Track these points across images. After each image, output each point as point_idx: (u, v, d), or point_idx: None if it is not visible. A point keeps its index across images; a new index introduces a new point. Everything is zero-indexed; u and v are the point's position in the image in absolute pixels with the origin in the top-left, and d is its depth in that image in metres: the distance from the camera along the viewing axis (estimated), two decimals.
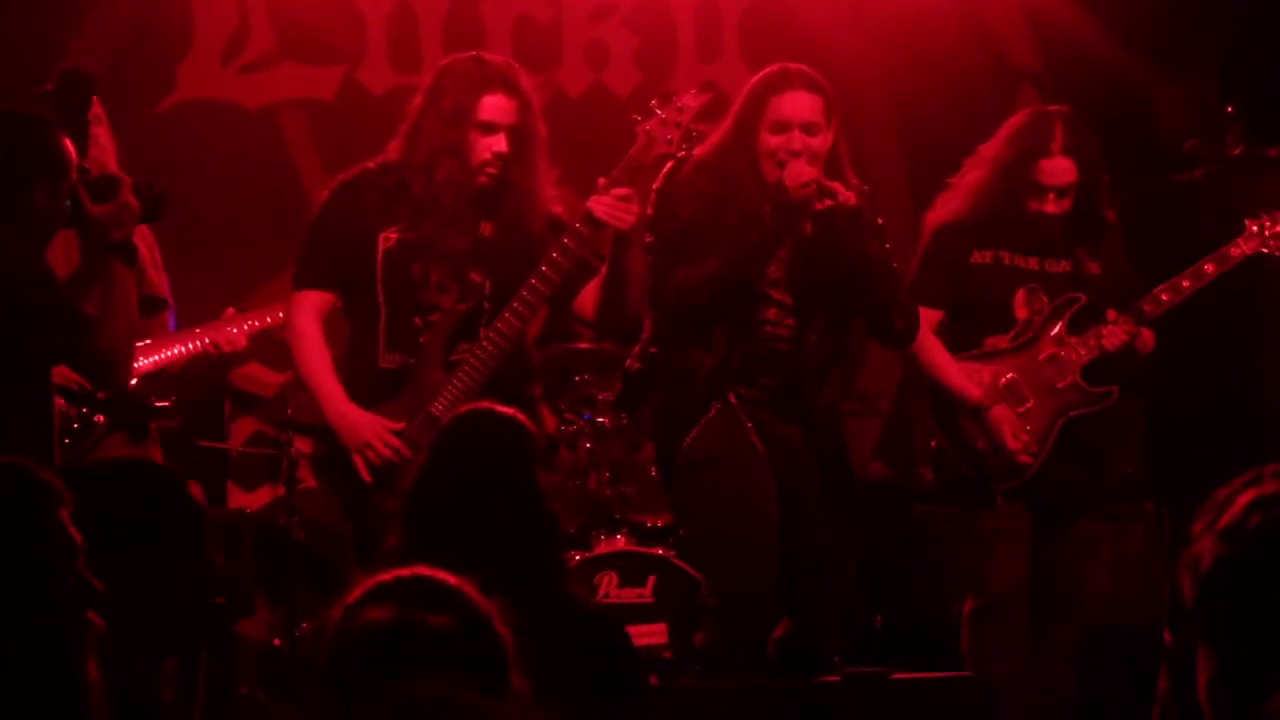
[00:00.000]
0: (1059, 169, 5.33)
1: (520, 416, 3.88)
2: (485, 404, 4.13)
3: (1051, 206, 5.33)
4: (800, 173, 5.01)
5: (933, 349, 5.35)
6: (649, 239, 5.15)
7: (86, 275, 4.38)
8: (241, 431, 7.30)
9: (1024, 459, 5.31)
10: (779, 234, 5.04)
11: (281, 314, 5.57)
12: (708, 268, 5.02)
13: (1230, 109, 5.78)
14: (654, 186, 5.15)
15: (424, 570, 2.42)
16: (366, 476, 5.06)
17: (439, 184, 5.08)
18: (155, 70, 7.56)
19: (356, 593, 2.40)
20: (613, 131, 5.65)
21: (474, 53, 5.26)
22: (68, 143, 4.36)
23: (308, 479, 6.90)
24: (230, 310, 5.73)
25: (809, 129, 5.07)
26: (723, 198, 5.08)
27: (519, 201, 5.15)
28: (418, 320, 5.14)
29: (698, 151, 5.16)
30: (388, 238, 5.13)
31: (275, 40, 7.74)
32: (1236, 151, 5.84)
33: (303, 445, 5.97)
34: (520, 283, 5.06)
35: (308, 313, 5.21)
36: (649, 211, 5.14)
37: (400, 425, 5.08)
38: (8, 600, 2.62)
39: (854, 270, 5.06)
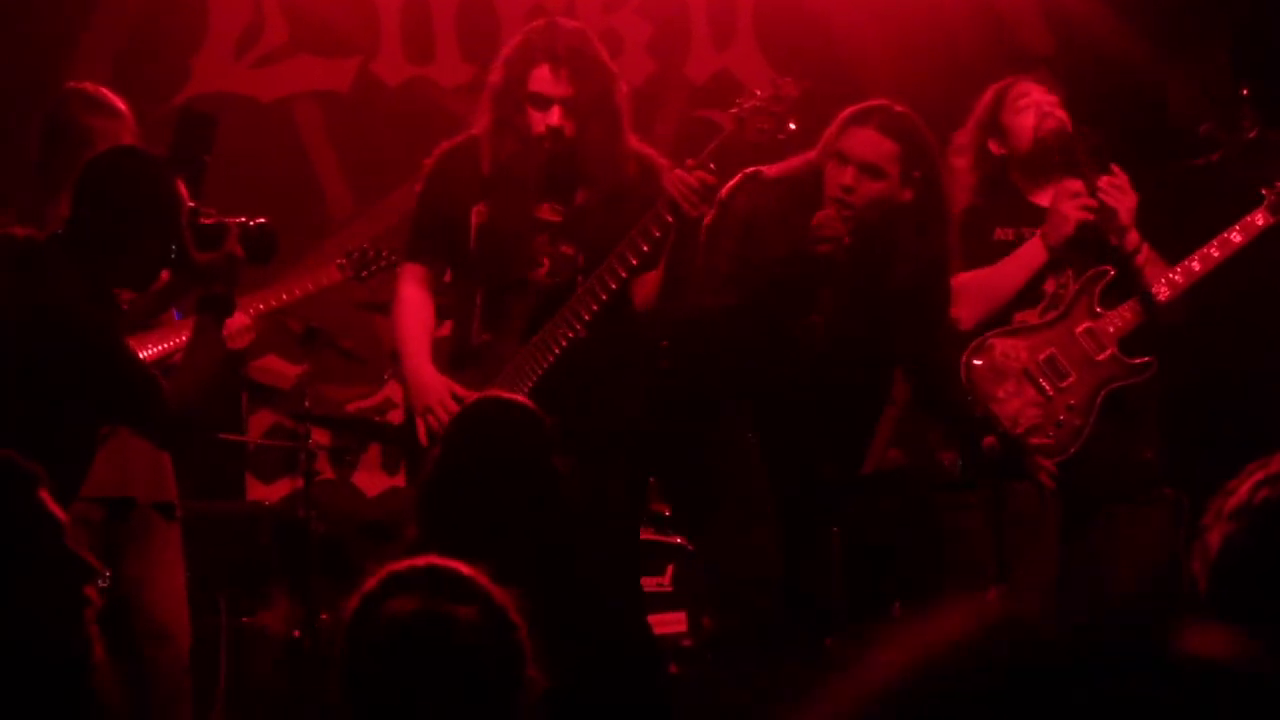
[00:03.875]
0: (1023, 92, 5.33)
1: (530, 404, 3.86)
2: (494, 392, 4.13)
3: (1051, 122, 5.31)
4: (825, 223, 4.72)
5: None
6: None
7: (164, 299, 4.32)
8: (259, 424, 7.31)
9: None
10: (801, 285, 4.75)
11: (285, 295, 5.56)
12: (726, 298, 4.80)
13: (1245, 92, 5.76)
14: (719, 196, 4.87)
15: (438, 560, 2.41)
16: (424, 440, 4.94)
17: (505, 159, 4.93)
18: (169, 63, 7.57)
19: (372, 583, 2.39)
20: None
21: (549, 20, 5.11)
22: (181, 185, 4.23)
23: (326, 471, 6.91)
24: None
25: (869, 170, 4.78)
26: (778, 224, 4.82)
27: (600, 170, 4.93)
28: (509, 296, 4.98)
29: (770, 170, 4.93)
30: (480, 212, 4.99)
31: (289, 33, 7.75)
32: (1252, 134, 5.81)
33: (320, 437, 5.99)
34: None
35: (410, 283, 5.08)
36: (705, 220, 4.96)
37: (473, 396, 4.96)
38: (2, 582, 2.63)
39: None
